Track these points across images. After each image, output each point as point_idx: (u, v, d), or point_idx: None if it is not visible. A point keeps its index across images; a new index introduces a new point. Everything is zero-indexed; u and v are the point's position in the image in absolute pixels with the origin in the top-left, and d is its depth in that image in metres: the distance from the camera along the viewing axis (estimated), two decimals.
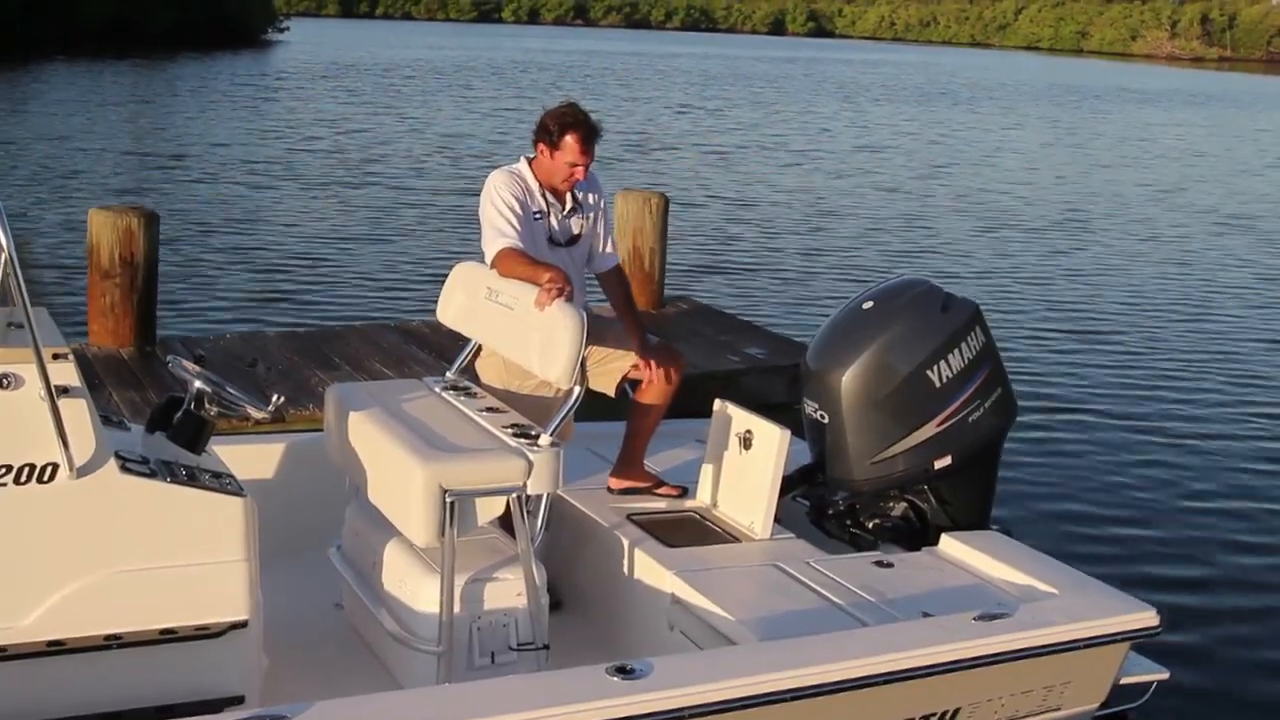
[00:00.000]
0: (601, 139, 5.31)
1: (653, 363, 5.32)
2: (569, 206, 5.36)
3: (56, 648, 3.68)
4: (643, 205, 10.98)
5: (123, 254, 8.88)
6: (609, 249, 5.59)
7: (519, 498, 4.34)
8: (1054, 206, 22.43)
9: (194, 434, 4.15)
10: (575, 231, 5.39)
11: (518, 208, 5.13)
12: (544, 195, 5.29)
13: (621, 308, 5.63)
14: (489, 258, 5.08)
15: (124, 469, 3.76)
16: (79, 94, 33.91)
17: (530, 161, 5.33)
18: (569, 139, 5.17)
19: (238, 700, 3.88)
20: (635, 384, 5.45)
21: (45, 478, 3.65)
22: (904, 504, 5.47)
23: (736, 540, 5.14)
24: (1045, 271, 16.65)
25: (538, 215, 5.25)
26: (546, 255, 5.16)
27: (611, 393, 5.38)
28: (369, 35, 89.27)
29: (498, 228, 5.08)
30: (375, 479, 4.56)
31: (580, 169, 5.22)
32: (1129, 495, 8.66)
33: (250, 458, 5.19)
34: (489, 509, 4.37)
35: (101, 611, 3.72)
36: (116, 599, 3.73)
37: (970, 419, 5.34)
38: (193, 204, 18.16)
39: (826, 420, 5.35)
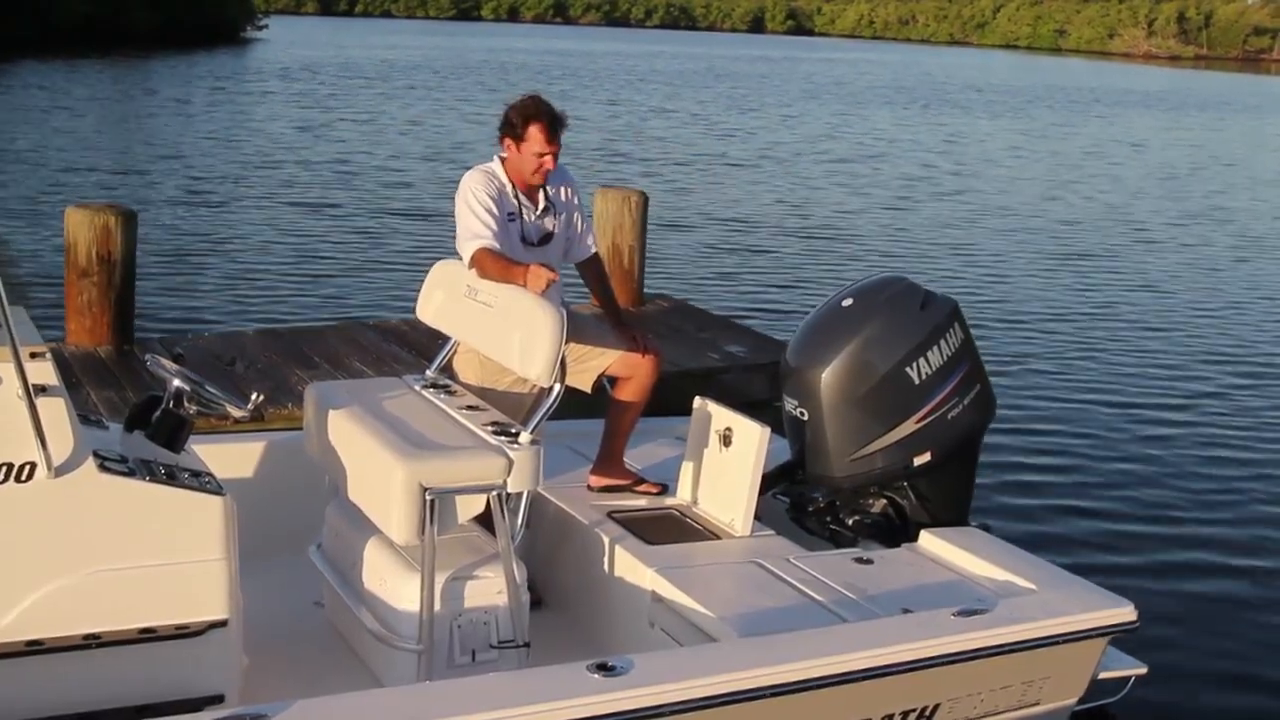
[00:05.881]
0: (567, 128, 5.32)
1: (637, 336, 5.41)
2: (542, 206, 5.37)
3: (35, 647, 3.66)
4: (622, 203, 10.97)
5: (100, 252, 8.82)
6: (587, 239, 5.63)
7: (499, 495, 4.34)
8: (1037, 206, 22.49)
9: (173, 433, 4.13)
10: (548, 230, 5.40)
11: (493, 207, 5.14)
12: (517, 195, 5.29)
13: (599, 294, 5.74)
14: (465, 258, 5.08)
15: (102, 468, 3.74)
16: (55, 92, 33.72)
17: (503, 161, 5.33)
18: (533, 129, 5.19)
19: (218, 699, 3.87)
20: (613, 380, 5.46)
21: (23, 477, 3.63)
22: (884, 501, 5.49)
23: (717, 537, 5.15)
24: (1025, 268, 16.71)
25: (511, 216, 5.25)
26: (521, 255, 5.16)
27: (589, 389, 5.40)
28: (348, 33, 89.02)
29: (473, 229, 5.08)
30: (355, 477, 4.55)
31: (548, 158, 5.22)
32: (1107, 492, 8.69)
33: (229, 456, 5.17)
34: (469, 507, 4.37)
35: (80, 611, 3.71)
36: (95, 598, 3.72)
37: (949, 415, 5.37)
38: (171, 202, 18.08)
39: (806, 417, 5.36)
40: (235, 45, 63.98)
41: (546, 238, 5.39)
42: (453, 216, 5.26)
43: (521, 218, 5.30)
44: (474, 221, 5.09)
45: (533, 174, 5.26)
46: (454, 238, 5.22)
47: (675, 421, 6.06)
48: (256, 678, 4.19)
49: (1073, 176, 27.17)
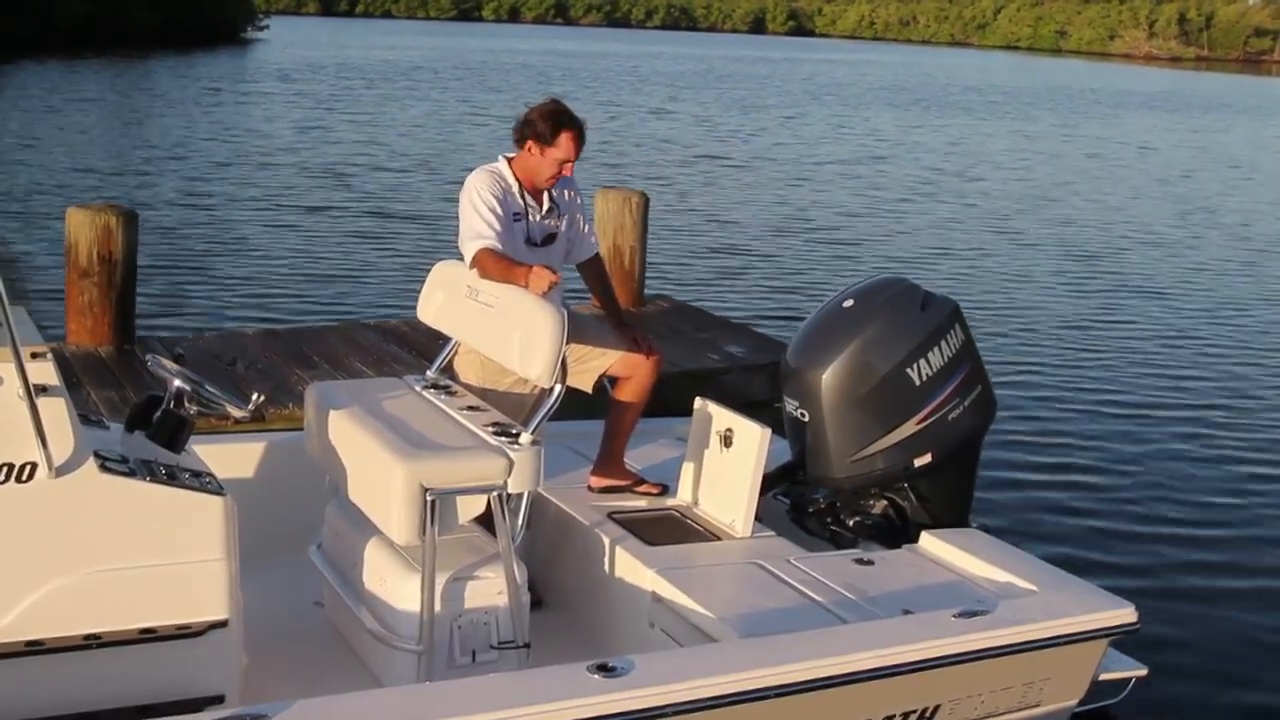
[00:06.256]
0: None
1: (638, 337, 5.42)
2: (546, 207, 5.38)
3: (35, 647, 3.67)
4: (623, 204, 10.97)
5: (101, 252, 8.82)
6: (589, 240, 5.65)
7: (500, 496, 4.34)
8: (1041, 208, 22.48)
9: (173, 433, 4.12)
10: (552, 231, 5.42)
11: (498, 208, 5.14)
12: (523, 195, 5.30)
13: (600, 294, 5.76)
14: (467, 258, 5.09)
15: (103, 468, 3.74)
16: (56, 93, 33.73)
17: (510, 160, 5.33)
18: (564, 136, 5.20)
19: (218, 699, 3.87)
20: (613, 380, 5.47)
21: (24, 477, 3.63)
22: (884, 502, 5.49)
23: (717, 538, 5.15)
24: (1028, 270, 16.71)
25: (516, 216, 5.26)
26: (524, 255, 5.16)
27: (589, 389, 5.40)
28: (348, 34, 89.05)
29: (476, 229, 5.08)
30: (356, 477, 4.55)
31: (570, 165, 5.27)
32: (1108, 493, 8.69)
33: (230, 457, 5.17)
34: (470, 507, 4.37)
35: (81, 611, 3.71)
36: (96, 598, 3.72)
37: (950, 417, 5.36)
38: (171, 202, 18.09)
39: (807, 418, 5.36)
40: (236, 45, 64.02)
41: (550, 238, 5.40)
42: (453, 217, 5.27)
43: (527, 218, 5.31)
44: (477, 221, 5.09)
45: (548, 179, 5.28)
46: (454, 238, 5.22)
47: (676, 422, 6.06)
48: (257, 678, 4.18)
49: (1076, 178, 27.17)
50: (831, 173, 25.93)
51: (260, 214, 17.64)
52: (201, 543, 3.84)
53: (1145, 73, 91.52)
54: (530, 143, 5.24)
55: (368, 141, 26.69)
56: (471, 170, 5.36)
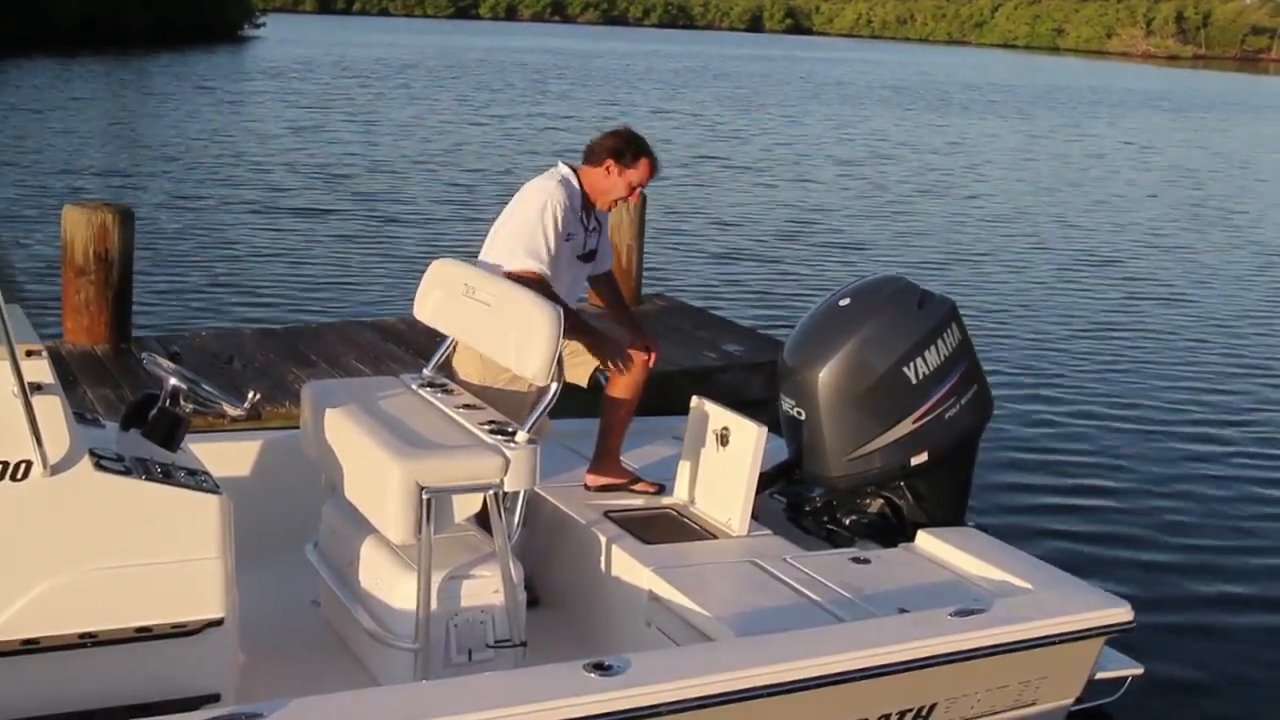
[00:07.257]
0: None
1: (650, 344, 5.52)
2: (593, 225, 5.56)
3: (31, 646, 3.66)
4: (620, 202, 10.95)
5: (97, 250, 8.81)
6: (609, 256, 5.87)
7: (496, 494, 4.34)
8: (1041, 209, 22.45)
9: (169, 431, 4.12)
10: (593, 248, 5.58)
11: (563, 229, 5.28)
12: (584, 211, 5.46)
13: (611, 303, 5.92)
14: (513, 265, 5.17)
15: (98, 466, 3.74)
16: (53, 91, 33.70)
17: (575, 173, 5.46)
18: (643, 162, 5.46)
19: (214, 698, 3.87)
20: (607, 375, 5.48)
21: (19, 475, 3.62)
22: (881, 500, 5.49)
23: (714, 537, 5.15)
24: (1025, 269, 16.71)
25: (570, 234, 5.39)
26: (574, 269, 5.41)
27: (584, 384, 5.43)
28: (345, 32, 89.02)
29: (538, 249, 5.20)
30: (352, 476, 4.54)
31: (638, 191, 5.51)
32: (1105, 492, 8.69)
33: (226, 455, 5.17)
34: (466, 506, 4.36)
35: (76, 610, 3.70)
36: (91, 597, 3.71)
37: (946, 415, 5.36)
38: (168, 200, 18.06)
39: (803, 417, 5.36)
40: (233, 44, 63.99)
41: (590, 255, 5.56)
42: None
43: (583, 235, 5.47)
44: (541, 240, 5.21)
45: (616, 199, 5.50)
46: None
47: (672, 421, 6.05)
48: (252, 676, 4.18)
49: (1077, 177, 27.16)
50: (830, 171, 25.93)
51: (257, 212, 17.62)
52: (197, 541, 3.83)
53: (1143, 71, 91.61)
54: (610, 162, 5.41)
55: (364, 140, 26.67)
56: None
